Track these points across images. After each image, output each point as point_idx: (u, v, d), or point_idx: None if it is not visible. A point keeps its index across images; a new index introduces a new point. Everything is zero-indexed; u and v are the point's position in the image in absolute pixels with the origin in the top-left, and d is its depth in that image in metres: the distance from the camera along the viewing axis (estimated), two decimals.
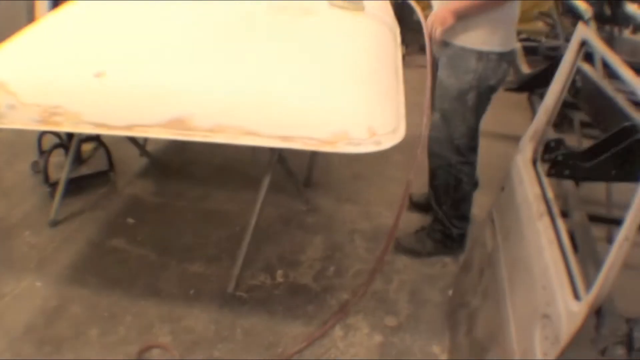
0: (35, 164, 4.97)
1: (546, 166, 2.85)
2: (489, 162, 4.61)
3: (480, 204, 4.18)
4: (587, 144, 3.51)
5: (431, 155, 3.82)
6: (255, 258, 3.94)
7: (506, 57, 3.58)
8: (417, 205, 4.57)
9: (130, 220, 4.40)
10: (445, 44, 3.58)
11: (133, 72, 2.67)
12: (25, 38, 3.15)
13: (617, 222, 2.03)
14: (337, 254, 4.10)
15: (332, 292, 3.75)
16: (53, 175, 4.64)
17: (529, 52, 5.64)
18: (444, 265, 4.09)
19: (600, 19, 5.17)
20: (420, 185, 4.34)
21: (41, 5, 6.17)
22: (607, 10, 3.55)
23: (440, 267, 4.07)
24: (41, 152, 4.91)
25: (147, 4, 3.53)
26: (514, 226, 2.71)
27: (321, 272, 3.92)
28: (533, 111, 4.45)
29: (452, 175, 3.80)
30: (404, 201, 3.09)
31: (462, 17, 3.42)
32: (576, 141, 4.64)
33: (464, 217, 4.02)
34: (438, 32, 3.44)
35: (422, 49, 4.18)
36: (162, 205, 4.64)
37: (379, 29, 3.39)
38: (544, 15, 6.73)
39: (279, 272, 3.88)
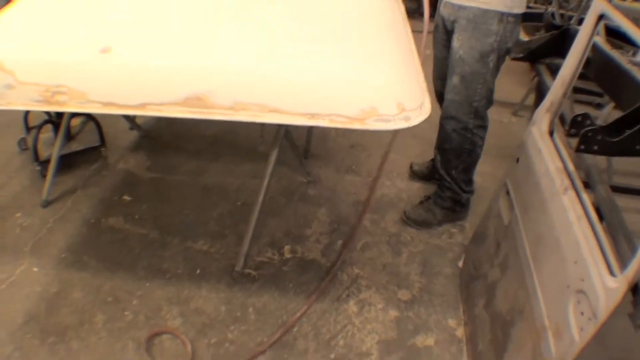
0: (22, 141, 4.94)
1: (572, 140, 2.85)
2: None
3: (478, 170, 4.21)
4: (578, 109, 3.57)
5: (447, 118, 3.84)
6: (261, 233, 3.94)
7: (520, 19, 3.61)
8: (418, 174, 4.65)
9: (127, 198, 4.38)
10: (459, 6, 3.61)
11: (142, 46, 2.58)
12: (17, 10, 3.07)
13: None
14: (343, 227, 4.13)
15: (342, 266, 3.77)
16: (42, 152, 4.59)
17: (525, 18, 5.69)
18: (451, 235, 4.14)
19: None
20: (418, 154, 4.38)
21: None
22: None
23: (447, 237, 4.13)
24: (28, 128, 4.86)
25: None
26: (535, 199, 2.72)
27: (328, 246, 3.94)
28: (541, 79, 4.45)
29: (467, 139, 3.83)
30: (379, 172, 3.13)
31: None
32: (568, 107, 4.67)
33: (471, 181, 4.09)
34: None
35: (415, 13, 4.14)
36: (158, 181, 4.62)
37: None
38: None
39: (287, 248, 3.90)
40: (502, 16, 3.48)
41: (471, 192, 4.09)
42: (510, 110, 5.99)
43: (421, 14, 3.36)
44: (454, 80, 3.70)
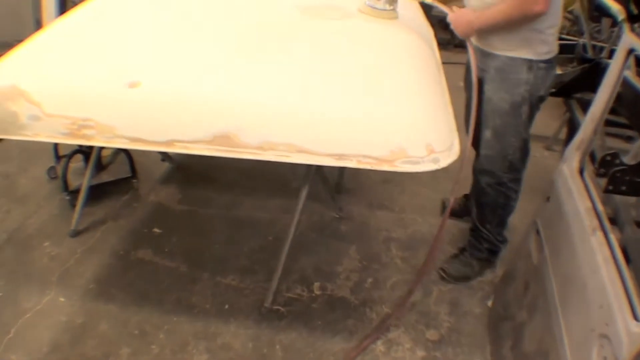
0: (51, 170, 5.02)
1: (601, 180, 2.88)
2: None
3: None
4: (609, 142, 3.61)
5: (481, 172, 3.82)
6: (291, 269, 3.99)
7: (554, 64, 3.56)
8: (452, 212, 4.59)
9: (157, 230, 4.45)
10: (487, 54, 3.58)
11: (171, 82, 2.59)
12: (43, 40, 3.13)
13: None
14: (374, 265, 4.17)
15: (371, 305, 3.82)
16: (71, 181, 4.67)
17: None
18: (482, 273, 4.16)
19: (630, 19, 5.21)
20: (449, 189, 4.54)
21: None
22: (634, 9, 3.59)
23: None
24: (57, 157, 4.93)
25: (177, 5, 3.53)
26: (564, 240, 2.76)
27: (359, 283, 3.99)
28: (572, 115, 4.49)
29: (502, 193, 3.81)
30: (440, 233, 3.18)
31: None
32: (599, 140, 4.69)
33: (505, 229, 4.08)
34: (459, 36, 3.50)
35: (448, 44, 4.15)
36: (189, 214, 4.69)
37: (418, 36, 3.38)
38: (567, 12, 6.78)
39: (316, 284, 3.95)
40: (531, 64, 3.44)
41: (506, 241, 4.09)
42: (544, 144, 5.99)
43: (455, 45, 3.43)
44: (486, 134, 3.67)
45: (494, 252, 4.12)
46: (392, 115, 2.46)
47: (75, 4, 7.62)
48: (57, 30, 3.25)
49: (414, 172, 2.36)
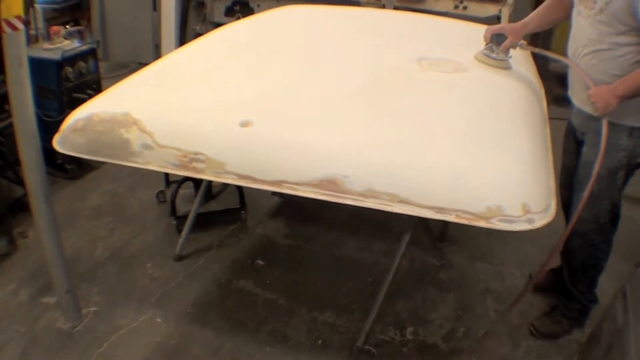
0: (160, 194, 5.26)
1: None
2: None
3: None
4: None
5: (572, 235, 3.47)
6: (386, 312, 4.07)
7: None
8: (537, 286, 4.46)
9: (260, 262, 4.60)
10: (591, 117, 3.43)
11: (283, 125, 2.72)
12: (160, 70, 3.33)
13: None
14: (468, 314, 4.23)
15: (459, 354, 3.88)
16: (179, 207, 4.88)
17: None
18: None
19: None
20: (502, 286, 4.53)
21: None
22: None
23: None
24: (167, 182, 5.20)
25: (296, 47, 3.70)
26: None
27: (451, 332, 4.05)
28: None
29: (592, 255, 3.77)
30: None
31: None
32: None
33: (596, 288, 4.03)
34: (598, 113, 3.22)
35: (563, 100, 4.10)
36: (294, 249, 4.82)
37: (528, 90, 3.46)
38: None
39: (409, 329, 4.01)
40: (632, 130, 3.34)
41: (597, 301, 4.05)
42: None
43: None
44: (580, 198, 3.30)
45: (583, 312, 4.07)
46: (492, 172, 2.54)
47: (196, 33, 7.93)
48: (174, 61, 3.48)
49: (507, 230, 2.42)
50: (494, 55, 3.56)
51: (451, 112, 2.96)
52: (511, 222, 2.39)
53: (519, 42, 3.60)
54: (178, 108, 2.84)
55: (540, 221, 2.42)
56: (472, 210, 2.41)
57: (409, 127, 2.77)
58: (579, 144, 3.71)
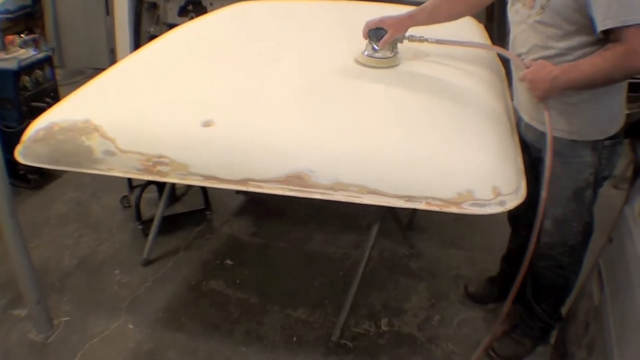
0: (124, 199, 5.23)
1: None
2: None
3: None
4: None
5: (539, 256, 3.35)
6: (360, 304, 4.08)
7: (621, 137, 3.12)
8: (474, 297, 4.30)
9: (229, 262, 4.59)
10: (544, 134, 2.83)
11: (245, 123, 2.67)
12: (117, 75, 3.27)
13: None
14: (441, 302, 4.24)
15: (437, 342, 3.89)
16: (144, 211, 4.86)
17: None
18: None
19: None
20: (474, 271, 4.55)
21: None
22: None
23: None
24: (131, 187, 5.14)
25: (251, 44, 3.64)
26: (624, 282, 2.80)
27: (426, 320, 4.06)
28: (636, 156, 4.42)
29: (561, 276, 3.47)
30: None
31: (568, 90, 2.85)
32: None
33: (562, 307, 3.74)
34: (536, 100, 2.89)
35: None
36: (262, 247, 4.82)
37: (485, 71, 3.38)
38: None
39: (384, 320, 4.02)
40: (595, 144, 2.98)
41: (561, 319, 3.73)
42: (611, 182, 5.88)
43: None
44: (545, 224, 3.22)
45: (547, 331, 3.80)
46: (459, 157, 2.50)
47: (150, 35, 7.88)
48: (130, 65, 3.42)
49: (479, 214, 2.40)
50: (378, 54, 3.25)
51: (411, 101, 2.93)
52: (482, 205, 2.37)
53: (406, 35, 3.27)
54: (138, 112, 2.78)
55: (511, 202, 2.40)
56: (442, 196, 2.38)
57: (372, 118, 2.74)
58: (534, 160, 3.24)
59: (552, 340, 3.81)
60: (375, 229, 3.84)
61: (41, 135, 2.70)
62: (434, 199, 2.39)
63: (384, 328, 3.96)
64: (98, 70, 3.52)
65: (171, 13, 7.81)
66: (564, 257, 3.37)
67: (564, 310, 3.69)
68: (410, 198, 2.41)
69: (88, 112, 2.74)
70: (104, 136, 2.61)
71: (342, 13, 4.46)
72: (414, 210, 4.88)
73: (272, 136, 2.59)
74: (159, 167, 2.56)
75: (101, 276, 4.38)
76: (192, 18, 7.23)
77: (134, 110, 2.80)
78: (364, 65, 3.27)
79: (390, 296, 4.25)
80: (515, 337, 3.82)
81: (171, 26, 7.47)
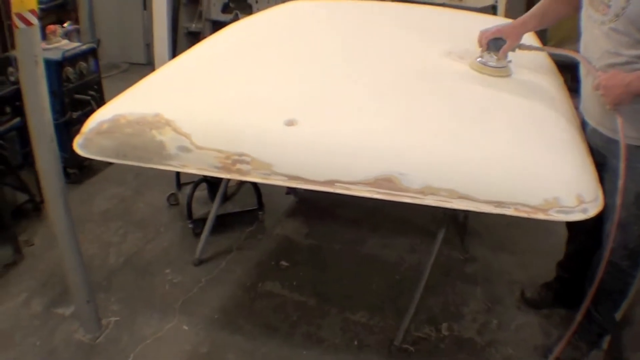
0: (172, 197, 5.23)
1: None
2: None
3: None
4: None
5: (598, 260, 3.28)
6: (419, 309, 4.04)
7: None
8: (530, 302, 4.32)
9: (284, 263, 4.58)
10: (610, 139, 3.05)
11: (331, 123, 2.67)
12: (179, 70, 3.28)
13: None
14: (498, 307, 4.24)
15: (496, 346, 3.89)
16: (194, 210, 4.83)
17: None
18: None
19: None
20: (526, 276, 4.53)
21: None
22: None
23: None
24: (179, 184, 5.16)
25: (318, 42, 3.66)
26: None
27: (485, 325, 4.06)
28: None
29: (620, 280, 3.46)
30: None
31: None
32: None
33: (618, 313, 3.74)
34: (607, 107, 2.90)
35: None
36: (316, 248, 4.81)
37: (556, 87, 3.41)
38: None
39: (444, 325, 4.03)
40: None
41: (616, 324, 3.72)
42: None
43: None
44: (607, 227, 3.21)
45: (601, 335, 3.80)
46: (547, 165, 2.53)
47: (188, 31, 7.92)
48: (193, 60, 3.42)
49: (563, 220, 2.45)
50: (492, 63, 3.33)
51: (502, 108, 2.96)
52: (567, 212, 2.39)
53: (519, 44, 3.38)
54: (214, 108, 2.77)
55: (592, 210, 2.42)
56: (530, 203, 2.40)
57: (465, 123, 2.75)
58: (599, 165, 2.99)
59: (605, 345, 3.81)
60: (441, 234, 3.85)
61: (105, 128, 2.69)
62: (523, 205, 2.41)
63: (444, 332, 3.96)
64: (133, 64, 3.52)
65: (215, 9, 7.84)
66: (623, 261, 3.36)
67: (617, 315, 3.70)
68: (499, 204, 2.43)
69: (156, 106, 2.74)
70: (177, 131, 2.61)
71: (402, 15, 4.49)
72: (466, 215, 4.90)
73: (361, 137, 2.58)
74: (238, 166, 2.55)
75: (150, 275, 4.36)
76: (236, 15, 7.27)
77: (209, 107, 2.80)
78: (479, 72, 3.31)
79: (448, 301, 4.25)
80: (573, 341, 3.80)
81: (214, 22, 7.54)
